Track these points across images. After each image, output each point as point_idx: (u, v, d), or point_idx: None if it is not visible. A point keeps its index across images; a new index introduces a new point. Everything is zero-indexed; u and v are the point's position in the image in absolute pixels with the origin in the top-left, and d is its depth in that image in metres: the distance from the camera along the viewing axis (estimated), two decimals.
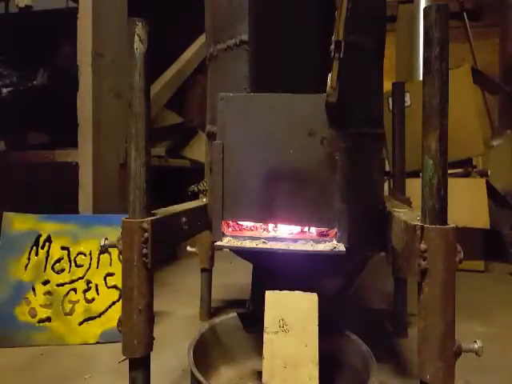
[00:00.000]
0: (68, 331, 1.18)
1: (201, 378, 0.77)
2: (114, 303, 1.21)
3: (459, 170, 2.05)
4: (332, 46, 0.67)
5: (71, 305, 1.20)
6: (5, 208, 1.28)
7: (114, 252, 0.70)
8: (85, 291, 1.21)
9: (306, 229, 0.85)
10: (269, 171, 0.77)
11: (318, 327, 0.77)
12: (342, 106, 0.73)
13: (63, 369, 1.05)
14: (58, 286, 1.21)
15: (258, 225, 0.87)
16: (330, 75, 0.70)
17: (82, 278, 1.22)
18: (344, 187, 0.75)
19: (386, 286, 1.50)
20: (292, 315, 0.79)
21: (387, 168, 1.96)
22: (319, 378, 0.75)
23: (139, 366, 0.70)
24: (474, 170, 2.09)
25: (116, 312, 1.19)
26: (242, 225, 0.87)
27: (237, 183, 0.79)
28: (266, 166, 0.77)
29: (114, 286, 1.22)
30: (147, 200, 0.68)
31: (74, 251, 1.24)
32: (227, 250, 0.91)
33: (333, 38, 0.67)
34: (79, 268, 1.23)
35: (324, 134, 0.75)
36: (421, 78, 0.62)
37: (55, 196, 1.78)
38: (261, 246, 0.79)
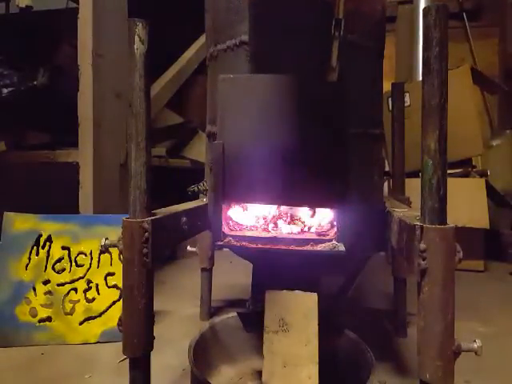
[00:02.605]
0: (68, 331, 1.18)
1: (201, 377, 0.77)
2: (114, 303, 1.21)
3: (459, 170, 2.05)
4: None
5: (72, 304, 1.20)
6: (5, 208, 1.28)
7: (115, 252, 0.70)
8: (85, 291, 1.21)
9: (306, 229, 0.85)
10: (270, 152, 0.77)
11: (317, 327, 0.78)
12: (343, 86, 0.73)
13: (64, 368, 1.05)
14: (58, 285, 1.21)
15: (258, 224, 0.87)
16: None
17: (82, 277, 1.22)
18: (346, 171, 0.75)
19: (385, 286, 1.51)
20: (292, 315, 0.79)
21: (387, 168, 1.96)
22: (319, 378, 0.76)
23: (139, 365, 0.70)
24: (474, 169, 2.09)
25: (116, 311, 1.19)
26: (242, 224, 0.88)
27: (238, 164, 0.78)
28: (268, 147, 0.77)
29: (115, 286, 1.22)
30: (147, 200, 0.68)
31: (74, 251, 1.24)
32: (227, 249, 0.92)
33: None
34: (80, 268, 1.23)
35: (326, 114, 0.76)
36: (420, 79, 0.63)
37: (55, 196, 1.78)
38: (261, 245, 0.79)
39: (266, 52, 0.83)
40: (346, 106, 0.76)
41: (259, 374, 0.81)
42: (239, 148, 0.78)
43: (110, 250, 0.71)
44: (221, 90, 0.79)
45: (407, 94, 1.99)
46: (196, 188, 0.98)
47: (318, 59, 0.77)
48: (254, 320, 0.93)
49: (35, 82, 1.73)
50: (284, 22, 0.78)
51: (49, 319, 1.18)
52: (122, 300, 0.69)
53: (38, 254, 1.23)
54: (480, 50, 3.13)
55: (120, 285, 1.19)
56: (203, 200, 0.93)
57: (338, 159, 0.75)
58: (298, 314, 0.79)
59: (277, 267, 0.84)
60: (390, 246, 0.80)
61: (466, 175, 2.06)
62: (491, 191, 2.02)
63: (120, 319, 0.69)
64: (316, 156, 0.76)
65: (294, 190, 0.77)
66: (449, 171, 1.89)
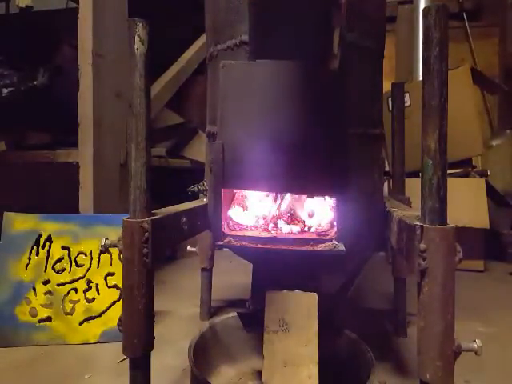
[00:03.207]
0: (68, 331, 1.18)
1: (201, 377, 0.77)
2: (114, 303, 1.21)
3: (459, 170, 2.05)
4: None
5: (72, 304, 1.20)
6: (5, 208, 1.28)
7: (115, 252, 0.70)
8: (85, 291, 1.21)
9: (306, 229, 0.85)
10: (271, 138, 0.77)
11: (317, 327, 0.78)
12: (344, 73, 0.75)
13: (64, 368, 1.05)
14: (58, 285, 1.21)
15: (258, 224, 0.87)
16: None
17: (82, 277, 1.22)
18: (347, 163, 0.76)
19: (385, 286, 1.51)
20: (292, 315, 0.79)
21: (387, 168, 1.96)
22: (319, 378, 0.76)
23: (139, 365, 0.70)
24: (474, 169, 2.09)
25: (116, 311, 1.19)
26: (242, 224, 0.88)
27: (238, 152, 0.78)
28: (269, 133, 0.77)
29: (115, 286, 1.22)
30: (147, 200, 0.68)
31: (74, 251, 1.24)
32: (227, 249, 0.92)
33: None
34: (80, 268, 1.23)
35: (327, 101, 0.76)
36: (420, 79, 0.63)
37: (55, 196, 1.78)
38: (261, 245, 0.79)
39: (266, 52, 0.83)
40: (347, 94, 0.76)
41: (259, 373, 0.81)
42: (240, 134, 0.78)
43: (110, 250, 0.71)
44: (222, 75, 0.79)
45: (407, 94, 1.99)
46: (196, 188, 0.99)
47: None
48: (254, 320, 0.93)
49: (35, 82, 1.73)
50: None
51: (49, 319, 1.18)
52: (122, 300, 0.69)
53: (38, 254, 1.23)
54: (480, 49, 3.13)
55: (120, 285, 1.19)
56: (203, 200, 0.93)
57: (338, 146, 0.75)
58: (298, 314, 0.79)
59: (277, 267, 0.84)
60: (390, 246, 0.80)
61: (466, 175, 2.06)
62: (491, 191, 2.03)
63: (120, 319, 0.70)
64: (317, 143, 0.76)
65: (295, 176, 0.77)
66: (449, 171, 1.88)
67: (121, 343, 0.69)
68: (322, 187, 0.77)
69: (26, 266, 1.21)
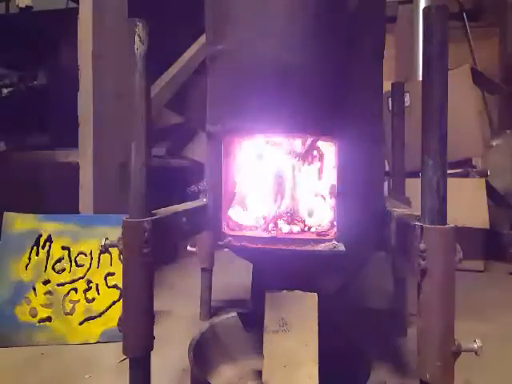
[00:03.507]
0: (68, 331, 1.18)
1: (201, 377, 0.77)
2: (114, 303, 1.21)
3: (459, 170, 2.05)
4: None
5: (72, 304, 1.20)
6: (5, 208, 1.28)
7: (115, 252, 0.70)
8: (85, 291, 1.21)
9: (306, 228, 0.85)
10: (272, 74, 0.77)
11: (317, 327, 0.78)
12: None
13: (64, 368, 1.05)
14: (58, 285, 1.21)
15: (258, 224, 0.87)
16: None
17: (82, 277, 1.22)
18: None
19: (386, 286, 1.51)
20: (292, 315, 0.79)
21: (387, 168, 1.96)
22: (319, 378, 0.76)
23: (139, 365, 0.70)
24: (474, 169, 2.09)
25: (116, 311, 1.19)
26: (242, 224, 0.88)
27: (233, 88, 0.80)
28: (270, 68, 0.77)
29: (115, 286, 1.22)
30: (147, 200, 0.68)
31: (74, 251, 1.24)
32: (227, 249, 0.92)
33: None
34: (80, 268, 1.23)
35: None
36: (420, 78, 0.63)
37: (55, 196, 1.78)
38: (261, 245, 0.79)
39: None
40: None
41: (259, 373, 0.81)
42: (238, 65, 0.80)
43: (110, 250, 0.71)
44: None
45: (407, 94, 1.98)
46: (196, 188, 0.99)
47: None
48: (253, 320, 0.93)
49: (35, 82, 1.73)
50: None
51: (49, 319, 1.18)
52: (121, 300, 0.69)
53: (37, 254, 1.23)
54: (480, 50, 3.12)
55: (120, 285, 1.19)
56: (203, 200, 0.93)
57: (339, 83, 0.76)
58: (297, 314, 0.79)
59: (277, 267, 0.84)
60: (389, 246, 0.80)
61: (466, 175, 2.06)
62: (491, 191, 2.02)
63: (120, 319, 0.69)
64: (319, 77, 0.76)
65: (293, 115, 0.76)
66: (449, 171, 1.88)
67: (121, 343, 0.68)
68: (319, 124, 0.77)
69: (26, 266, 1.21)
